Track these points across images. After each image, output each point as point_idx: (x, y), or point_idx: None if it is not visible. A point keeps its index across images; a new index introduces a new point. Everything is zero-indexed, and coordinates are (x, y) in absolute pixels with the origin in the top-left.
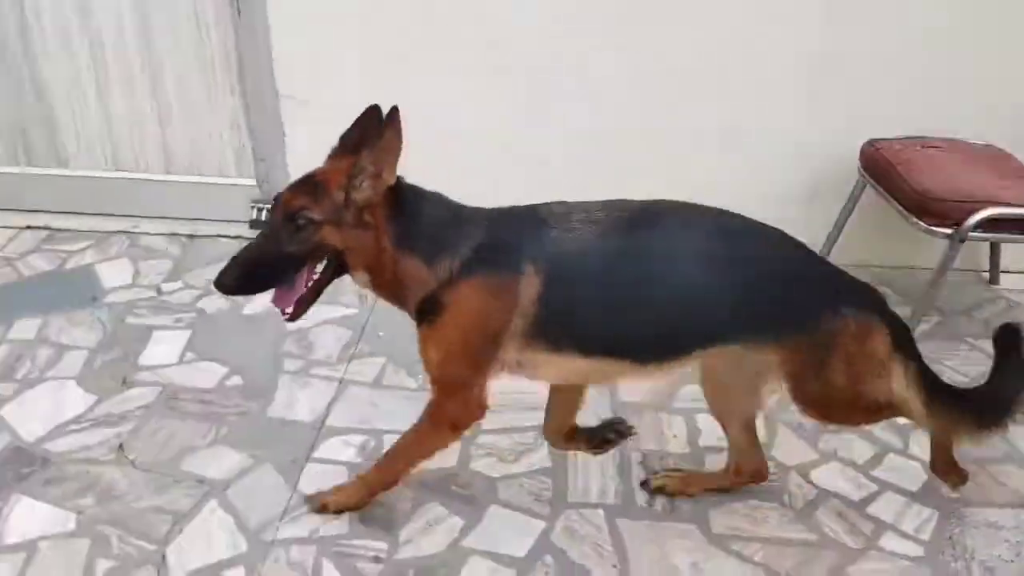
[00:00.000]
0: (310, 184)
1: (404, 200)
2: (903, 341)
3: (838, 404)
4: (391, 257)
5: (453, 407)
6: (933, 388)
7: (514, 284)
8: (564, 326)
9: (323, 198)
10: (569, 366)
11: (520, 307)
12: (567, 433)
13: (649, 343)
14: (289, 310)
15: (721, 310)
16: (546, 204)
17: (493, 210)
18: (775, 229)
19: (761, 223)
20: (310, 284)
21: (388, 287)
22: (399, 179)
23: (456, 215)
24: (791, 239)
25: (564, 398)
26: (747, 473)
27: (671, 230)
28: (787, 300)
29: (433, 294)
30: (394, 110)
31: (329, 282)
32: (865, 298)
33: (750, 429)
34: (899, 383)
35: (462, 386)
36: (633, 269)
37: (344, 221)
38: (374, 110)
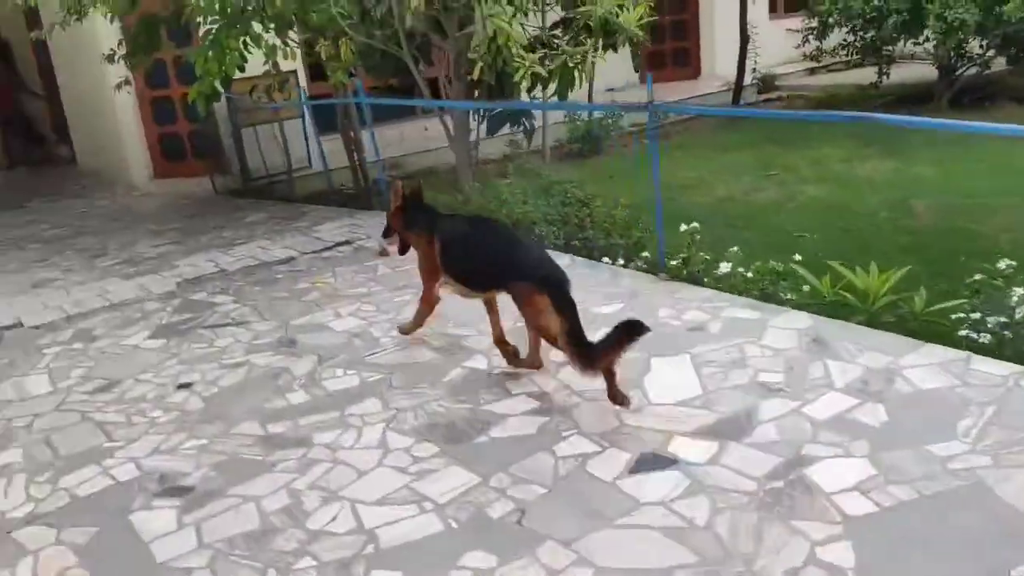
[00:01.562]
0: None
1: (405, 208)
2: (562, 304)
3: (535, 329)
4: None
5: (426, 292)
6: (571, 335)
7: (433, 241)
8: (448, 266)
9: (390, 216)
10: (455, 287)
11: (436, 253)
12: (501, 340)
13: (478, 280)
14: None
15: (495, 269)
16: (448, 212)
17: (431, 208)
18: (514, 234)
19: (512, 232)
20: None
21: (402, 242)
22: (405, 198)
23: (422, 212)
24: (525, 241)
25: (489, 315)
26: (527, 361)
27: (485, 228)
28: (505, 271)
29: (414, 241)
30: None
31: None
32: (541, 274)
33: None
34: (556, 328)
35: (428, 284)
36: (471, 243)
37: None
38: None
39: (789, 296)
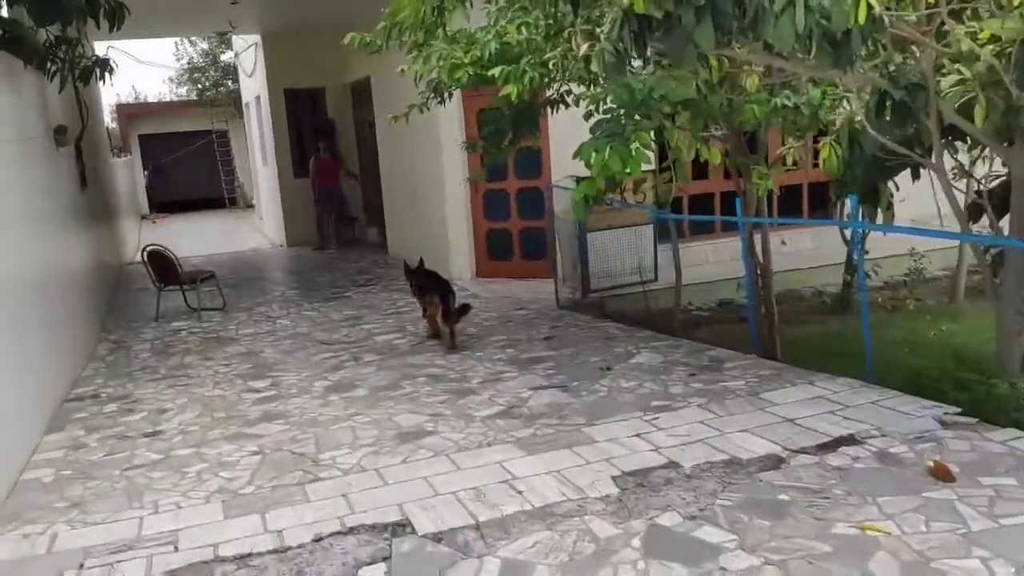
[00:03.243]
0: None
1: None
2: (443, 300)
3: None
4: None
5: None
6: (445, 309)
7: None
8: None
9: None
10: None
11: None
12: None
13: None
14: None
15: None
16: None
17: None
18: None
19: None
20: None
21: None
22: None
23: (422, 273)
24: (442, 279)
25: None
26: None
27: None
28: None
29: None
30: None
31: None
32: (442, 288)
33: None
34: (440, 309)
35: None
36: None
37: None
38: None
39: None
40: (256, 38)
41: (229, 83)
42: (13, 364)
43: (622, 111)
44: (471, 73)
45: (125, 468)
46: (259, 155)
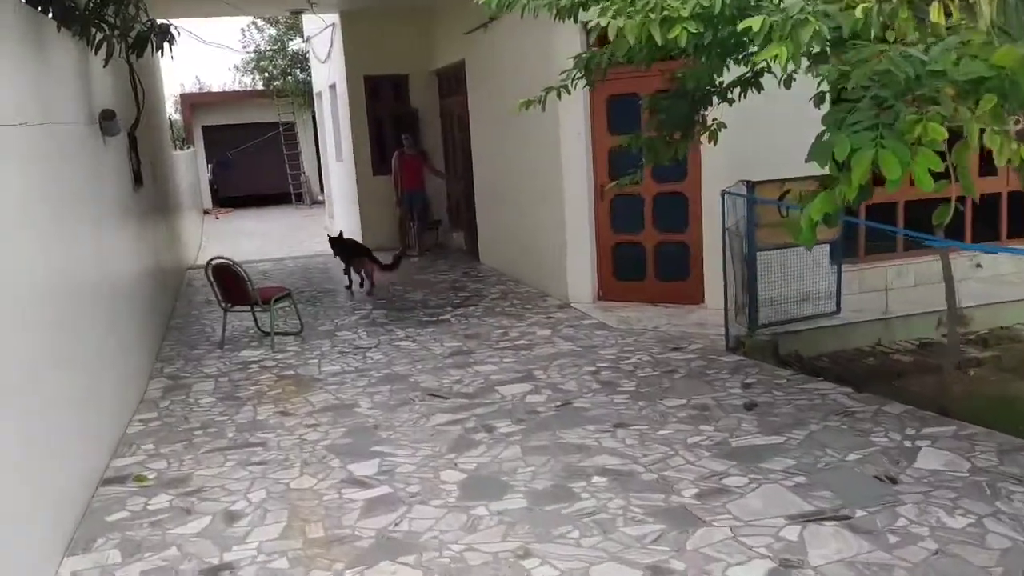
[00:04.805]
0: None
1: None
2: (373, 258)
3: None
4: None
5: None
6: (376, 264)
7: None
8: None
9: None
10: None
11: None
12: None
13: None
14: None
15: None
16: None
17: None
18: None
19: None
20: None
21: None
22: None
23: (346, 241)
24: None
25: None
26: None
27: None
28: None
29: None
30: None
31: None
32: (365, 251)
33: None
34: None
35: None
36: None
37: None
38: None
39: None
40: (334, 18)
41: (297, 72)
42: (17, 458)
43: (888, 93)
44: (692, 31)
45: None
46: (331, 149)
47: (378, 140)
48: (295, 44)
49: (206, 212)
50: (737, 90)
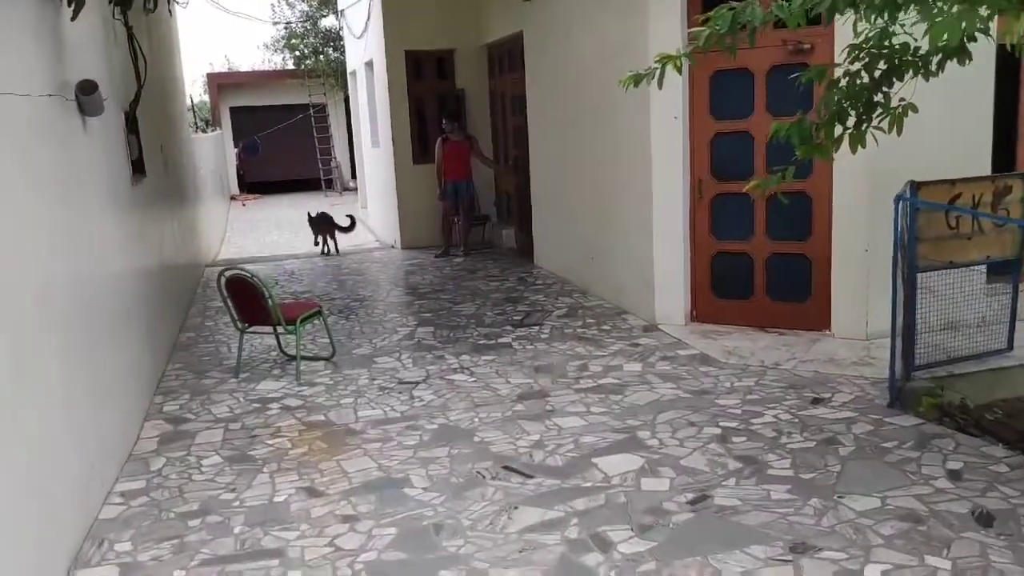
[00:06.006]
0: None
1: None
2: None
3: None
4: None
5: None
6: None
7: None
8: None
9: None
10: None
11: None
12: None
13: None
14: None
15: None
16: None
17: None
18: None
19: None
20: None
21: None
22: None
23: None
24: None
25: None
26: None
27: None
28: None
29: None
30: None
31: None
32: (329, 222)
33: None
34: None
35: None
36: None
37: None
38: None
39: None
40: None
41: (330, 51)
42: None
43: None
44: None
45: None
46: (366, 133)
47: (419, 124)
48: (327, 21)
49: (232, 198)
50: (937, 58)
